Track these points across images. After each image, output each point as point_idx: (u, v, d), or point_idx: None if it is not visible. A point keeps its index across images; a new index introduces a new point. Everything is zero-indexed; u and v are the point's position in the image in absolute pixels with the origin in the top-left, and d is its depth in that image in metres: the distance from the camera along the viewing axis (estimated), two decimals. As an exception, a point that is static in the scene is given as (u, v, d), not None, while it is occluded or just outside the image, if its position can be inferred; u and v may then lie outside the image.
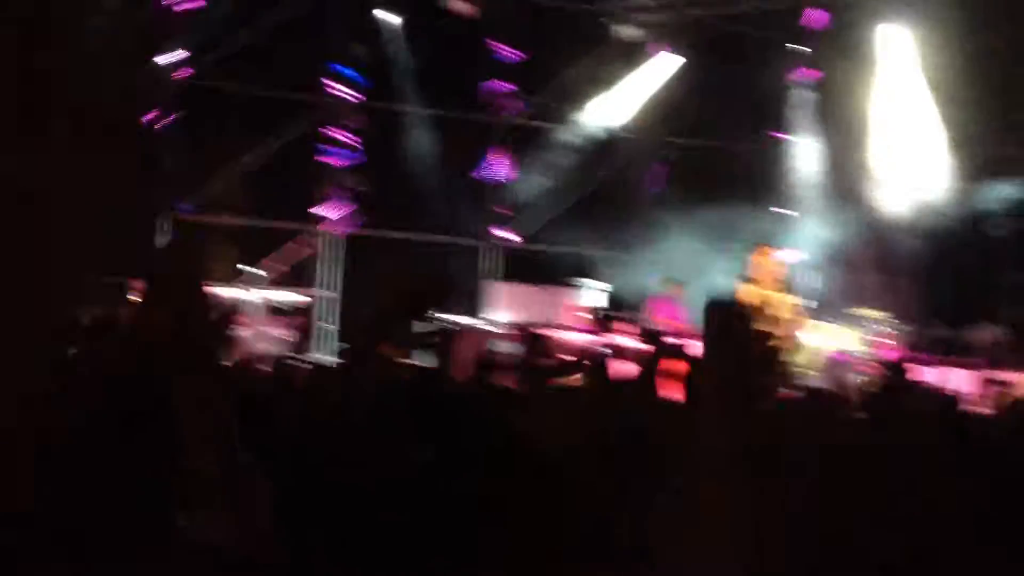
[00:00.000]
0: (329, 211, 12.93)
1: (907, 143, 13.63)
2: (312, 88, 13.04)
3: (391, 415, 3.54)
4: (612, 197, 14.58)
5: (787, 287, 10.35)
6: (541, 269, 13.68)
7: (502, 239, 13.91)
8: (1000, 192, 13.56)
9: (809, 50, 13.96)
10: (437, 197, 13.39)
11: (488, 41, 13.48)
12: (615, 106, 14.33)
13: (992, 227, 13.52)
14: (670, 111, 14.29)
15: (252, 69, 12.33)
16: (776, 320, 9.71)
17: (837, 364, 10.68)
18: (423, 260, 13.38)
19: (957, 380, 8.60)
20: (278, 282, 12.18)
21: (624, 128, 14.50)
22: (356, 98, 12.98)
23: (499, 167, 13.69)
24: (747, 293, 9.76)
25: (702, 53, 13.92)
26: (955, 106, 12.88)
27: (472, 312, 13.10)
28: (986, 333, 12.52)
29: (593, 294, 12.82)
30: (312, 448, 2.88)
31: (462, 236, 13.96)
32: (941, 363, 11.10)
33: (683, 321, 11.75)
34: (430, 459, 2.81)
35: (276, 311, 11.57)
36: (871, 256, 13.27)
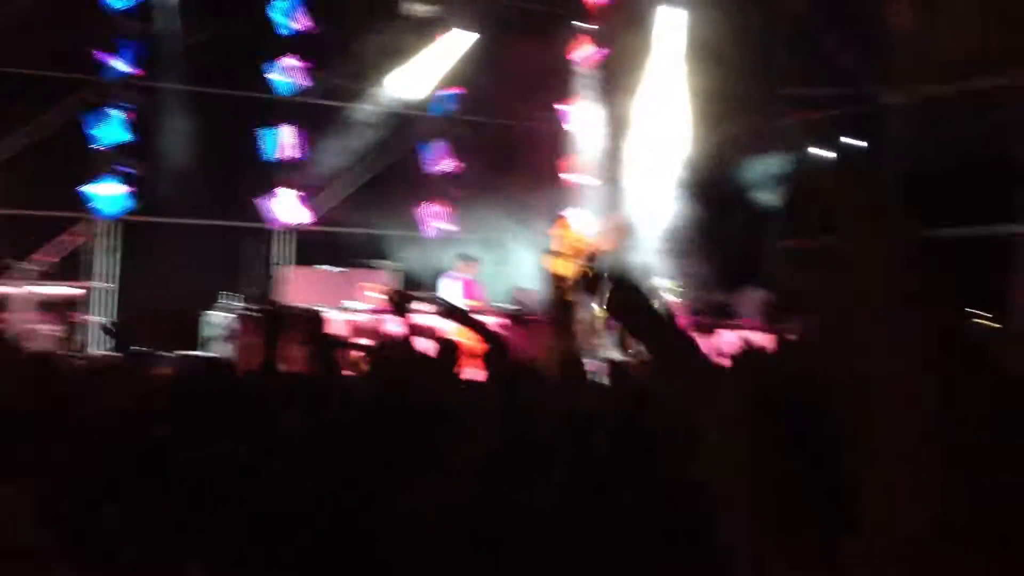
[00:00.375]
0: (102, 197, 12.10)
1: (682, 117, 14.20)
2: (79, 66, 12.20)
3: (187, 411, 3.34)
4: (405, 175, 14.45)
5: (589, 257, 10.50)
6: (335, 251, 13.34)
7: (292, 222, 13.35)
8: (769, 162, 14.33)
9: (594, 27, 14.25)
10: (223, 179, 12.89)
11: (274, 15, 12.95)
12: (407, 83, 14.20)
13: (764, 196, 14.27)
14: (463, 87, 14.23)
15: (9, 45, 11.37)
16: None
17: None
18: (210, 246, 12.82)
19: (730, 343, 8.97)
20: (48, 275, 11.37)
21: (417, 105, 14.35)
22: (129, 76, 12.19)
23: (290, 146, 13.15)
24: (553, 265, 9.82)
25: (492, 29, 13.95)
26: (727, 81, 13.48)
27: (266, 299, 12.69)
28: (751, 297, 13.27)
29: (388, 274, 12.64)
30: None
31: (251, 220, 13.47)
32: (718, 327, 11.68)
33: (479, 298, 11.82)
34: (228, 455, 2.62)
35: (45, 305, 10.76)
36: (656, 225, 13.71)
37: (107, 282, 12.49)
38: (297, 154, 13.12)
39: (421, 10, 13.81)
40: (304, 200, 13.31)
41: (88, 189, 12.07)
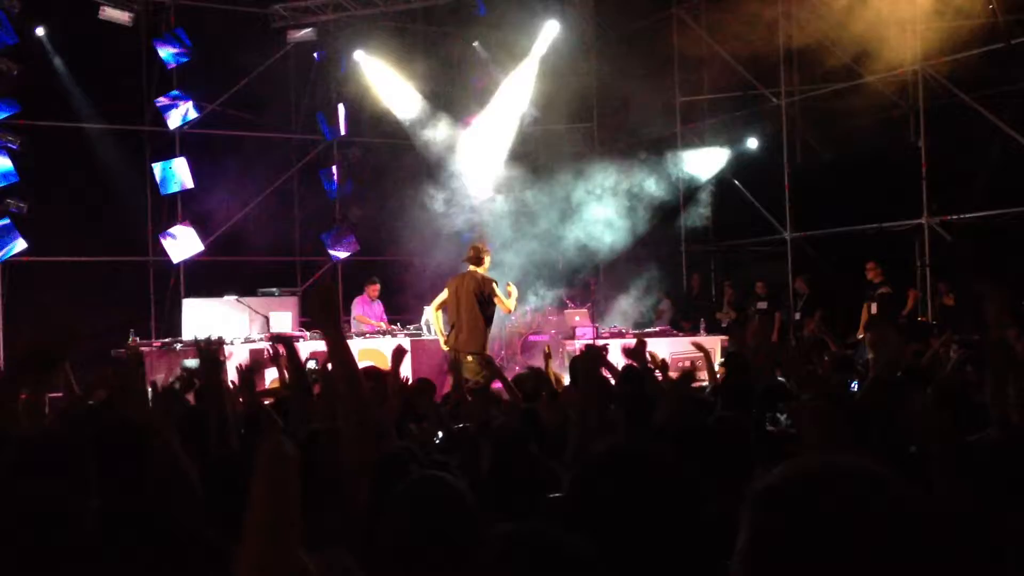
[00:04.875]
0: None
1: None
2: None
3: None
4: (306, 201, 14.34)
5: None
6: (237, 280, 13.06)
7: (189, 254, 12.96)
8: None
9: (477, 44, 14.30)
10: (118, 214, 12.63)
11: (154, 49, 12.67)
12: (296, 108, 14.13)
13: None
14: (355, 109, 14.13)
15: None
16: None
17: (537, 345, 11.08)
18: (105, 282, 12.47)
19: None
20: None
21: (311, 130, 14.23)
22: (11, 116, 11.74)
23: (183, 178, 12.83)
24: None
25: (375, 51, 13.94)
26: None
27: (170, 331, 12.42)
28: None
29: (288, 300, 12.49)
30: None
31: (147, 255, 13.19)
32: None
33: (378, 319, 11.82)
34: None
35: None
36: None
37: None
38: (190, 185, 12.83)
39: (302, 36, 13.66)
40: (199, 231, 12.96)
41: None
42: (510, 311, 9.75)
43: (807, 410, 2.58)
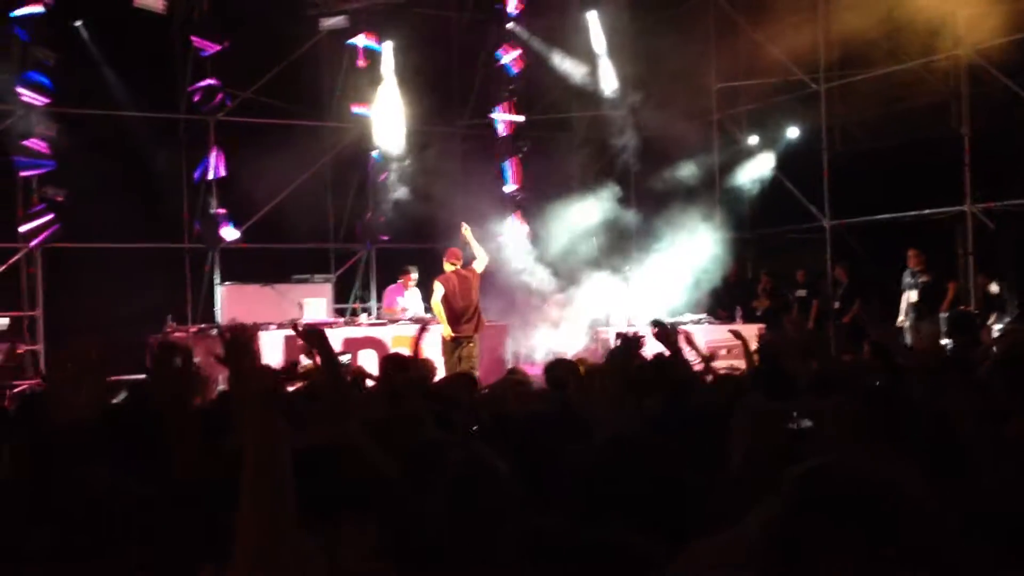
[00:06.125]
0: (26, 225, 11.74)
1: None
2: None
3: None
4: (339, 189, 14.36)
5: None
6: (272, 267, 13.12)
7: (220, 240, 12.98)
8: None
9: (512, 29, 14.21)
10: (154, 201, 12.72)
11: (189, 37, 12.68)
12: (330, 96, 14.13)
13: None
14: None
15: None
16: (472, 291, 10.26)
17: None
18: (141, 269, 12.53)
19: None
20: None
21: (339, 117, 14.23)
22: (47, 104, 11.78)
23: (213, 166, 12.86)
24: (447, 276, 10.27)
25: (407, 39, 13.88)
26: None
27: (206, 317, 12.56)
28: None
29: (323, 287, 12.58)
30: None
31: (182, 241, 13.27)
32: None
33: (406, 306, 11.85)
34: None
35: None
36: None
37: (31, 310, 12.19)
38: (224, 173, 12.84)
39: (335, 23, 13.59)
40: (234, 218, 12.98)
41: (18, 219, 11.77)
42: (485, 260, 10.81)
43: (830, 408, 2.52)
